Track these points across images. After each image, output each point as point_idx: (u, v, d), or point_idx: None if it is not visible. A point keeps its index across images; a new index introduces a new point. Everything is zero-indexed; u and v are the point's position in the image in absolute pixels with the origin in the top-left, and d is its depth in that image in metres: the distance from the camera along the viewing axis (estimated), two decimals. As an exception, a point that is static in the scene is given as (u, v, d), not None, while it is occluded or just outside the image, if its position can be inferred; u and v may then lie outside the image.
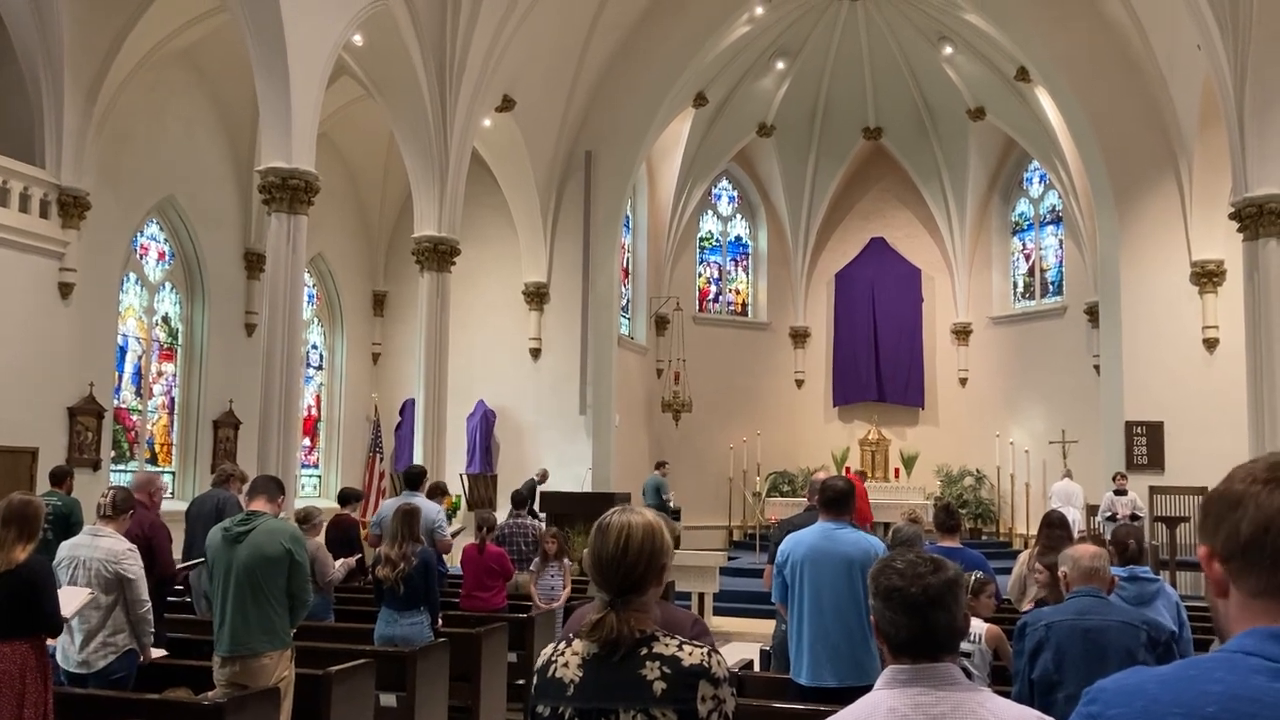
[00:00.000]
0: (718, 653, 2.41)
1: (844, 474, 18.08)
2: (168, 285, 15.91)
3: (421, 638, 7.25)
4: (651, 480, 17.00)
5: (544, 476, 15.95)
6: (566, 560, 10.05)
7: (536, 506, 14.16)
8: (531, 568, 9.96)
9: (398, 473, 16.10)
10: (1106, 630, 4.10)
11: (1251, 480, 1.37)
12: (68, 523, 9.41)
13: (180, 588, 9.10)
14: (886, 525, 14.08)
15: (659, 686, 2.30)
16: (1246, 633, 1.32)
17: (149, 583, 6.28)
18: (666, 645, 2.36)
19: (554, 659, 2.44)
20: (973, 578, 5.78)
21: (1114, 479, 14.65)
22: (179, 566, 7.63)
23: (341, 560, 9.14)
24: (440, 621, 7.80)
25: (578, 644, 2.41)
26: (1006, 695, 3.24)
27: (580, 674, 2.37)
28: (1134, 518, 13.92)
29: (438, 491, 11.05)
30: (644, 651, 2.34)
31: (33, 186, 12.92)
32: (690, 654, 2.34)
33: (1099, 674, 4.23)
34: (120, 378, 14.87)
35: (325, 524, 9.66)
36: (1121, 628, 4.12)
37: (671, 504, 16.78)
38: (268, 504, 5.80)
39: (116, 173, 14.30)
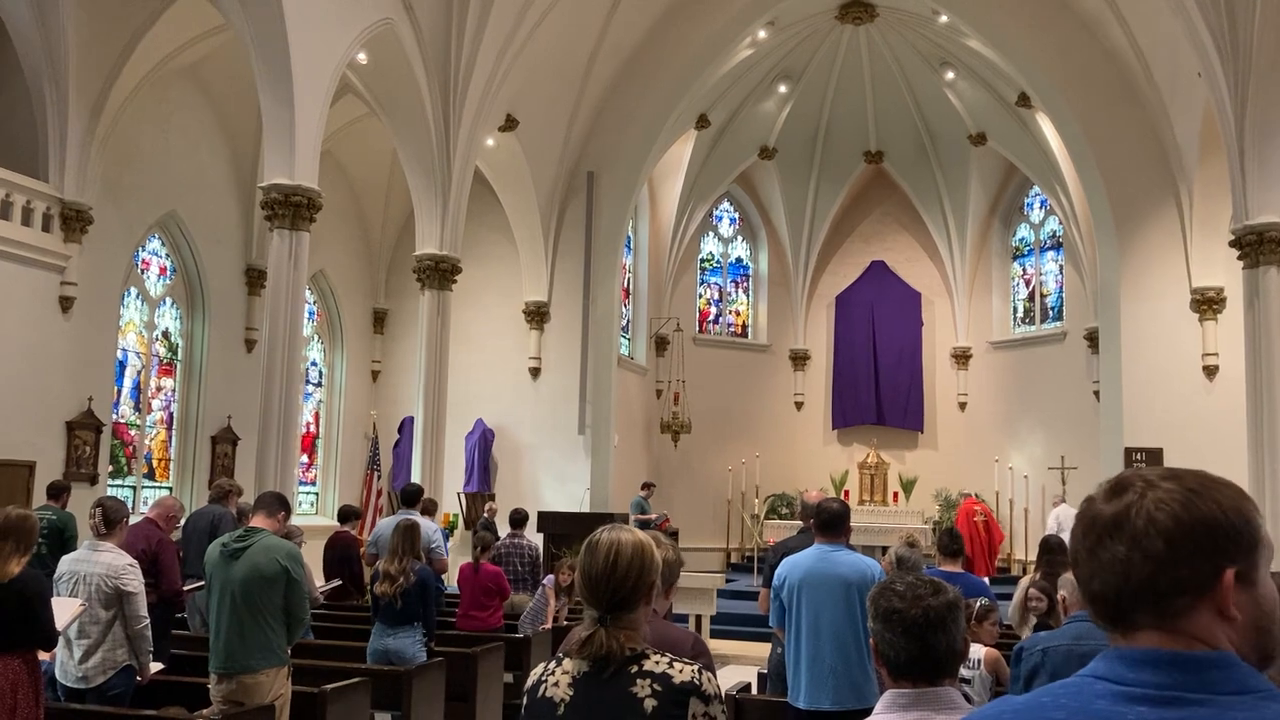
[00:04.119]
0: (710, 670, 2.40)
1: (842, 497, 18.08)
2: (168, 300, 15.92)
3: (413, 652, 7.21)
4: (634, 500, 16.93)
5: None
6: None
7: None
8: (547, 583, 9.87)
9: (395, 490, 16.06)
10: (1103, 656, 4.08)
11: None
12: (62, 537, 9.40)
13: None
14: (884, 549, 14.00)
15: (650, 704, 2.29)
16: (1100, 655, 1.32)
17: (153, 599, 6.27)
18: (657, 663, 2.35)
19: (544, 678, 2.42)
20: (978, 604, 5.77)
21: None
22: (187, 588, 7.61)
23: (327, 584, 9.16)
24: (434, 641, 7.76)
25: (568, 663, 2.40)
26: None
27: (571, 693, 2.36)
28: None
29: (427, 509, 11.03)
30: (634, 669, 2.34)
31: (35, 200, 12.94)
32: (681, 671, 2.33)
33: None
34: (119, 392, 14.85)
35: (304, 542, 9.64)
36: (1119, 654, 4.09)
37: (655, 520, 16.58)
38: (267, 520, 5.78)
39: (119, 187, 14.33)
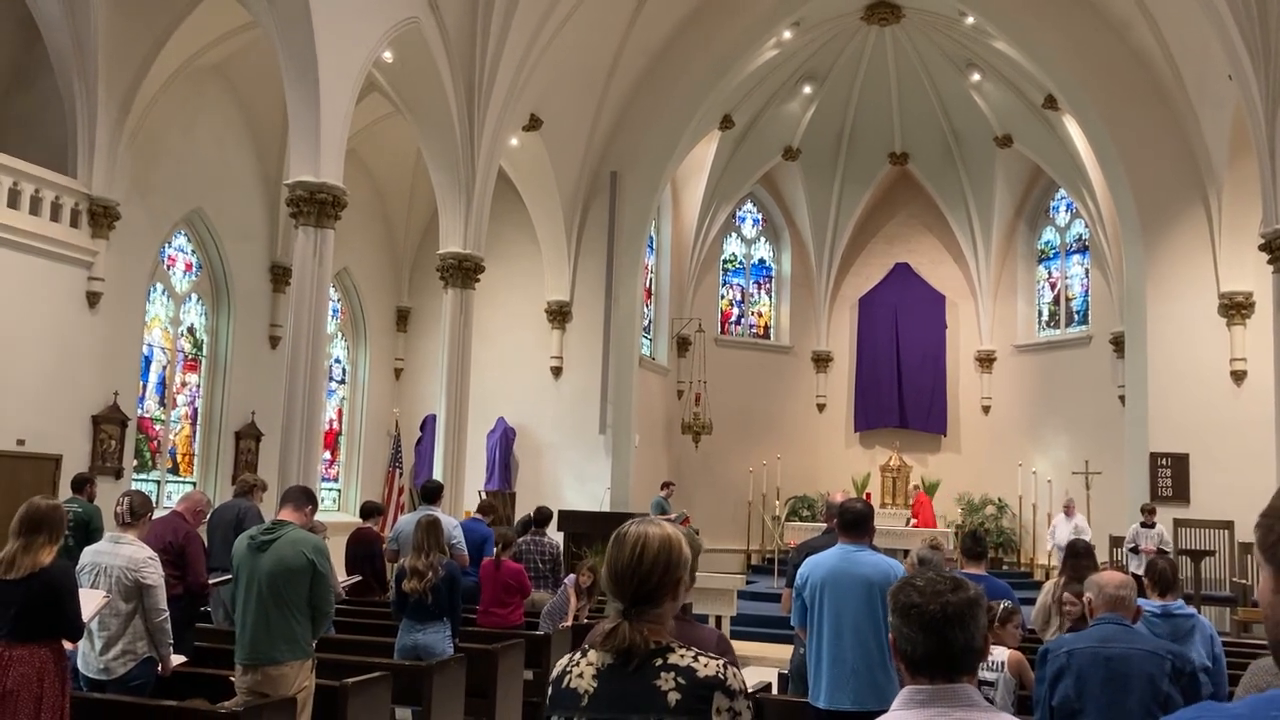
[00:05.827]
0: (734, 665, 2.39)
1: (864, 498, 18.02)
2: (194, 296, 16.03)
3: (443, 648, 7.26)
4: (654, 500, 16.93)
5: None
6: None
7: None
8: (569, 582, 9.90)
9: (416, 488, 16.12)
10: (1129, 658, 4.03)
11: None
12: (87, 529, 9.50)
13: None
14: (905, 552, 13.95)
15: (673, 697, 2.29)
16: None
17: (178, 591, 6.31)
18: (682, 656, 2.35)
19: (569, 669, 2.43)
20: (1000, 606, 5.74)
21: (1143, 511, 14.40)
22: (212, 581, 7.67)
23: (348, 579, 9.20)
24: (458, 635, 7.80)
25: (593, 654, 2.40)
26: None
27: (595, 684, 2.36)
28: (1161, 553, 13.72)
29: (484, 510, 11.13)
30: (659, 662, 2.33)
31: (64, 196, 13.06)
32: (706, 665, 2.33)
33: (1120, 702, 4.13)
34: (145, 387, 14.96)
35: (327, 537, 9.71)
36: (1145, 656, 4.04)
37: (675, 519, 16.59)
38: (294, 513, 5.82)
39: (146, 184, 14.44)
